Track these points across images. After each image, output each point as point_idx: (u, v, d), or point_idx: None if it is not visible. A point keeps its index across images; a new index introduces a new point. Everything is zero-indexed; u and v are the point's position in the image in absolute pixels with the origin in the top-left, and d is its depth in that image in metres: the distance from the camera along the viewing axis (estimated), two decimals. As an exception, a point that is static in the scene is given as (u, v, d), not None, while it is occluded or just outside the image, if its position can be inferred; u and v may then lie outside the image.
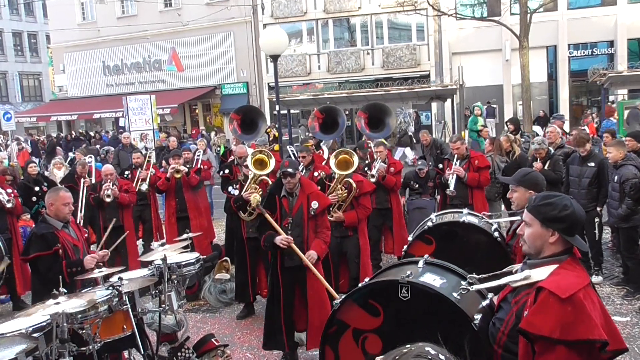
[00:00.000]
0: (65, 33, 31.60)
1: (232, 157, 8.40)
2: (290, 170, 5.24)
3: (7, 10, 43.43)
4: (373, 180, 7.47)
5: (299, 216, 5.28)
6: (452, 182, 7.34)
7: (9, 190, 7.77)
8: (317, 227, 5.35)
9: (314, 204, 5.25)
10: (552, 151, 8.13)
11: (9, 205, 7.56)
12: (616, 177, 6.86)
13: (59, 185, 7.61)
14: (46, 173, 11.37)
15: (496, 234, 4.86)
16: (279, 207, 5.33)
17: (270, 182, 6.56)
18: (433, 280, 3.25)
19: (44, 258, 4.72)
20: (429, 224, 5.30)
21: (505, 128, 10.96)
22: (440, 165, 7.83)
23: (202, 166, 9.37)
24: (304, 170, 7.02)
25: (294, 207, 5.31)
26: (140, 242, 9.58)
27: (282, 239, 5.15)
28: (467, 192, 7.39)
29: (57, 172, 10.52)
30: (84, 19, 32.71)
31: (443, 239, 4.96)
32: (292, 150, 9.02)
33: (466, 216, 5.14)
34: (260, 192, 6.50)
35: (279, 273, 5.31)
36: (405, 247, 5.31)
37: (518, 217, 4.06)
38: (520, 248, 3.66)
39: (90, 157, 10.05)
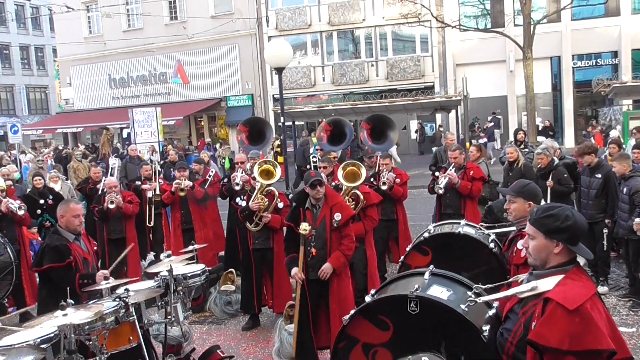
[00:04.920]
0: (72, 46, 31.90)
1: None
2: (320, 178, 5.24)
3: (15, 24, 43.88)
4: (384, 187, 7.54)
5: (322, 228, 5.23)
6: (442, 182, 7.41)
7: (18, 202, 7.83)
8: (341, 238, 5.30)
9: (337, 216, 5.19)
10: (557, 161, 8.15)
11: (20, 212, 7.61)
12: (625, 189, 6.83)
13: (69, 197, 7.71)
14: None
15: (492, 244, 4.86)
16: (303, 219, 5.30)
17: (277, 194, 6.59)
18: (440, 292, 3.27)
19: (57, 270, 4.76)
20: (426, 234, 5.32)
21: (511, 138, 10.97)
22: (437, 174, 7.87)
23: (212, 178, 9.28)
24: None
25: (317, 219, 5.27)
26: (151, 253, 9.67)
27: (296, 273, 5.18)
28: (459, 202, 7.47)
29: (54, 186, 10.55)
30: (90, 32, 33.04)
31: (439, 250, 4.98)
32: (314, 161, 8.95)
33: (463, 227, 5.15)
34: (267, 203, 6.53)
35: (306, 286, 5.27)
36: (402, 257, 5.33)
37: (514, 228, 4.08)
38: (515, 258, 3.69)
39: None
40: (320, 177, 5.34)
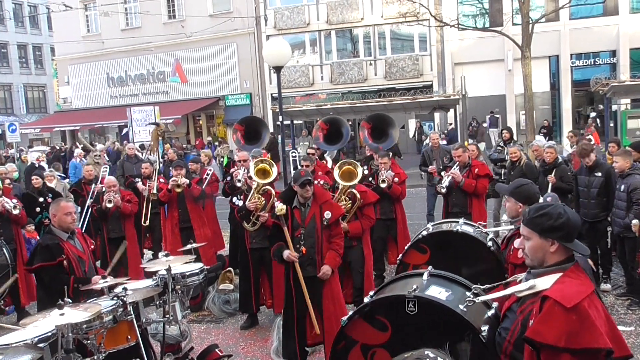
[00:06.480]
0: (70, 45, 31.83)
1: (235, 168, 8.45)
2: (310, 178, 5.26)
3: (13, 22, 43.79)
4: (384, 185, 7.54)
5: (312, 227, 5.24)
6: (445, 182, 7.40)
7: (14, 201, 7.82)
8: (331, 236, 5.31)
9: (327, 214, 5.20)
10: (560, 159, 8.19)
11: (15, 211, 7.60)
12: (622, 187, 6.83)
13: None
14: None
15: (490, 243, 4.86)
16: (291, 218, 5.30)
17: (273, 192, 6.58)
18: (439, 292, 3.27)
19: (48, 269, 4.75)
20: (424, 232, 5.31)
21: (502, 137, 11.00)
22: (443, 173, 7.89)
23: (209, 177, 9.23)
24: None
25: (307, 217, 5.27)
26: (149, 252, 9.65)
27: (290, 254, 5.15)
28: (466, 200, 7.43)
29: (50, 185, 10.53)
30: (89, 31, 32.95)
31: (437, 248, 4.99)
32: (294, 156, 8.92)
33: (461, 226, 5.16)
34: (264, 202, 6.51)
35: (292, 283, 5.28)
36: (400, 255, 5.33)
37: (512, 227, 4.07)
38: (512, 257, 3.68)
39: (106, 167, 10.35)
40: (310, 176, 5.34)
